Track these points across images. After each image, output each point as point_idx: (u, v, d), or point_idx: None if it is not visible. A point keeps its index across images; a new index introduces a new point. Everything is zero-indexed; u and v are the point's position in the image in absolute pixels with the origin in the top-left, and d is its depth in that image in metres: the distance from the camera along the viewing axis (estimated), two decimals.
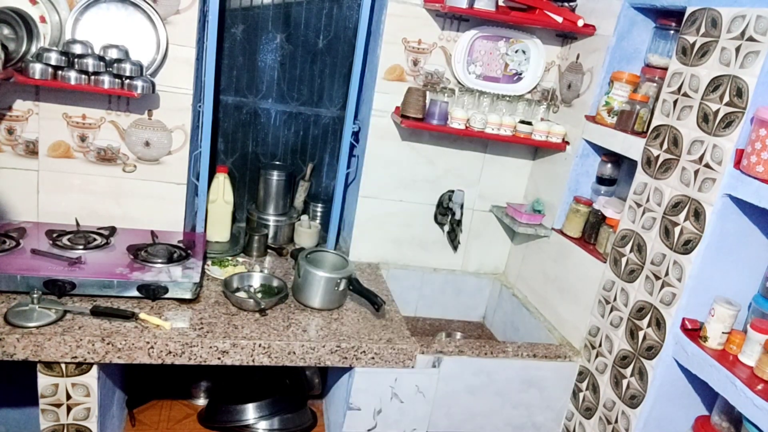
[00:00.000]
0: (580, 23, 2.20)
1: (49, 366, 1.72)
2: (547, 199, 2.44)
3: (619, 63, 2.15)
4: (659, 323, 1.76)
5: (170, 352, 1.77)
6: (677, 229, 1.72)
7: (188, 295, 1.94)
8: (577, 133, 2.26)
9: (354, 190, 2.58)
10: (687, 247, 1.68)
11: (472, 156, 2.55)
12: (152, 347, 1.75)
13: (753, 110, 1.52)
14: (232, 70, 2.53)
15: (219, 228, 2.44)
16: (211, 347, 1.79)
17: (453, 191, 2.54)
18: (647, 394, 1.79)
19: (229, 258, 2.36)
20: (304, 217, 2.64)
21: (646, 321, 1.82)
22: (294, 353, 1.87)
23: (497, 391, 2.09)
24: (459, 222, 2.56)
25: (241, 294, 2.08)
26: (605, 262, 2.03)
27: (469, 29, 2.35)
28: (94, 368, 1.75)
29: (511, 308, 2.58)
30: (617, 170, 2.21)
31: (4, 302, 1.78)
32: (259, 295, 2.07)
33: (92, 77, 1.94)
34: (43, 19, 1.97)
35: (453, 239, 2.63)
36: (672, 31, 2.00)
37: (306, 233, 2.61)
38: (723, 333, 1.61)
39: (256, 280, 2.18)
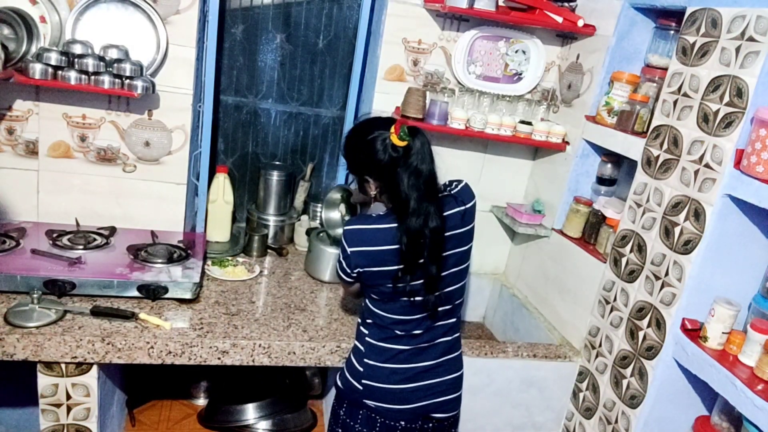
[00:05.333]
0: (580, 23, 2.20)
1: (49, 366, 1.72)
2: (547, 199, 2.44)
3: (619, 63, 2.14)
4: (659, 323, 1.76)
5: (170, 352, 1.77)
6: (677, 229, 1.72)
7: (188, 295, 1.94)
8: (577, 133, 2.26)
9: None
10: (687, 247, 1.68)
11: (472, 156, 2.55)
12: (152, 347, 1.75)
13: (753, 110, 1.52)
14: (232, 70, 2.52)
15: (219, 228, 2.44)
16: (211, 347, 1.79)
17: None
18: (647, 394, 1.78)
19: (229, 258, 2.36)
20: (304, 217, 2.64)
21: (646, 321, 1.82)
22: (294, 353, 1.87)
23: (497, 391, 2.09)
24: None
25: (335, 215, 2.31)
26: (605, 262, 2.03)
27: (469, 29, 2.35)
28: (94, 368, 1.75)
29: (511, 308, 2.58)
30: (617, 170, 2.21)
31: (4, 302, 1.78)
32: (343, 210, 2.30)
33: (92, 77, 1.94)
34: (43, 19, 1.97)
35: None
36: (672, 31, 2.00)
37: None
38: (723, 333, 1.61)
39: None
